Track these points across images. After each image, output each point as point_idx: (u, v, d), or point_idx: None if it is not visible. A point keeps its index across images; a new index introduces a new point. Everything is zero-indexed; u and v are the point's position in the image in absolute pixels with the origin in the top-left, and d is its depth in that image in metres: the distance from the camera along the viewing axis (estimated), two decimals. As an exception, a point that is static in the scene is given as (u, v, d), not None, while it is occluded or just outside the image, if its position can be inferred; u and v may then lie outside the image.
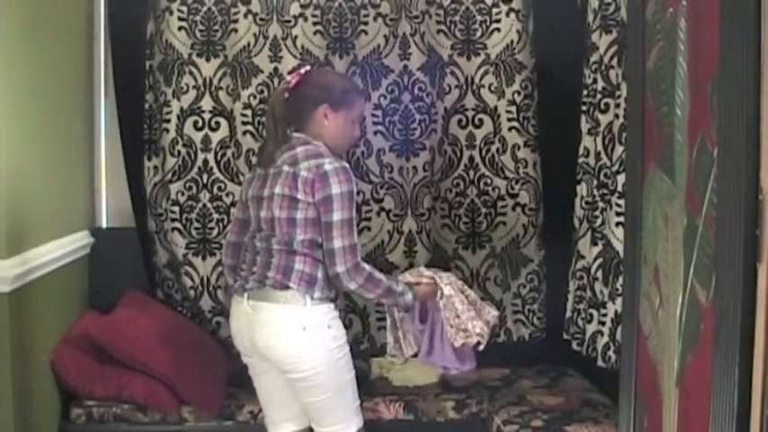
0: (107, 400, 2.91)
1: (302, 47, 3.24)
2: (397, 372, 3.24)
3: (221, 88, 3.27)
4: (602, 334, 2.92)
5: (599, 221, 2.98)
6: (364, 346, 3.35)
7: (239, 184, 3.28)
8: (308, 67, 2.62)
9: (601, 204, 2.96)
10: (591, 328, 2.99)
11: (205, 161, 3.29)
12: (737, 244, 1.16)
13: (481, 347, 2.62)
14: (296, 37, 3.24)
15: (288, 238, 2.38)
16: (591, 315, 2.99)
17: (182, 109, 3.26)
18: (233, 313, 2.53)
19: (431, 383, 3.18)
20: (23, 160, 2.64)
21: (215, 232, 3.31)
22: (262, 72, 3.25)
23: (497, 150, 3.33)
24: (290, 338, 2.38)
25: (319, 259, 2.40)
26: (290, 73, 3.22)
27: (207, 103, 3.27)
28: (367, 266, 2.42)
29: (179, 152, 3.28)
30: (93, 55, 3.36)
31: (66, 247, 3.01)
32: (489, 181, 3.34)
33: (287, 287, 2.37)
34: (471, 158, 3.34)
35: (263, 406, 2.65)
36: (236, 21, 3.24)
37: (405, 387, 3.16)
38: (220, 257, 3.28)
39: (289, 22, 3.24)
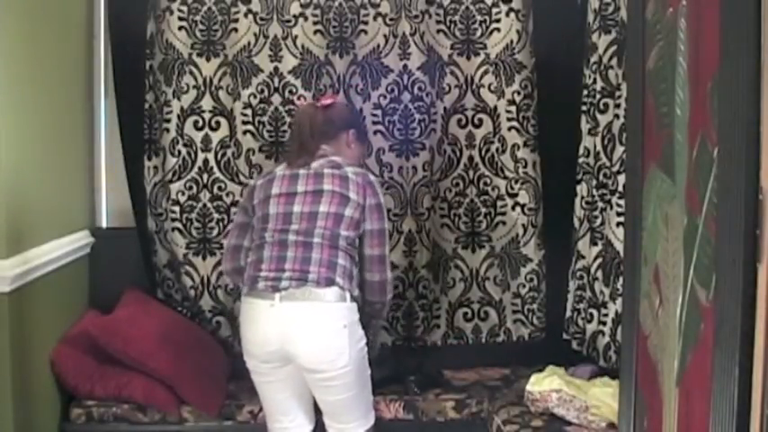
0: (107, 400, 2.92)
1: (302, 46, 3.24)
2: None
3: (221, 88, 3.27)
4: (603, 334, 2.92)
5: (599, 221, 2.98)
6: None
7: (240, 183, 3.28)
8: (337, 96, 2.90)
9: (601, 204, 2.97)
10: (591, 328, 3.00)
11: (205, 161, 3.29)
12: (737, 244, 1.16)
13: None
14: (296, 36, 3.24)
15: (332, 232, 2.46)
16: (591, 315, 2.99)
17: (182, 108, 3.26)
18: (251, 318, 2.46)
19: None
20: (23, 160, 2.64)
21: (215, 232, 3.31)
22: (262, 71, 3.25)
23: (497, 150, 3.33)
24: (332, 337, 2.39)
25: (354, 257, 2.51)
26: (290, 72, 3.24)
27: (207, 103, 3.27)
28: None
29: (179, 152, 3.28)
30: (93, 55, 3.36)
31: (67, 246, 3.01)
32: (489, 181, 3.34)
33: (332, 282, 2.40)
34: (471, 158, 3.34)
35: (270, 413, 2.63)
36: (236, 20, 3.24)
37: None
38: (221, 258, 3.29)
39: (289, 21, 3.24)
